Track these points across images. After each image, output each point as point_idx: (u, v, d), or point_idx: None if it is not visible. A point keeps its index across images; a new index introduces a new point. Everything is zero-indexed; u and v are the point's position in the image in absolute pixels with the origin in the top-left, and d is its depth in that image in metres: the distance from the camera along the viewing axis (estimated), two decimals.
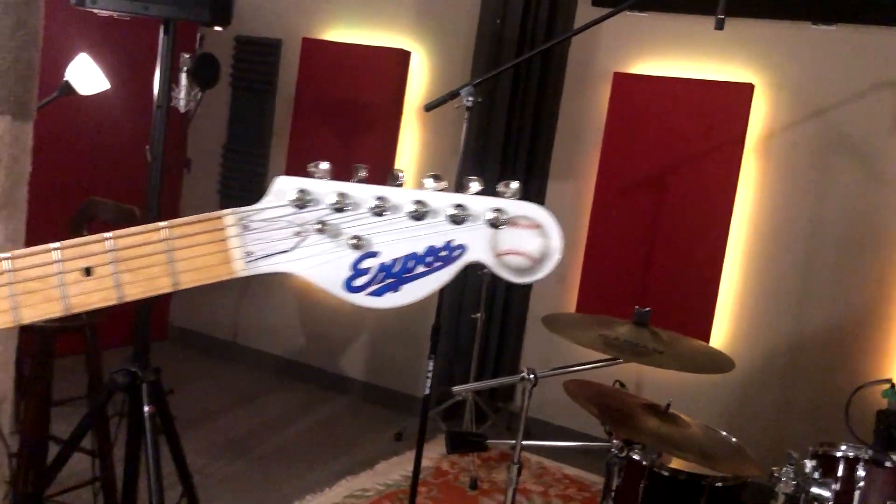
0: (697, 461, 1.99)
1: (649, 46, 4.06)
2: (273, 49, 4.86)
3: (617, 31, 4.04)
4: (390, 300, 0.56)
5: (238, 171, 5.02)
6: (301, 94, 4.75)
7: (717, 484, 2.29)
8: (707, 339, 3.91)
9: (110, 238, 0.51)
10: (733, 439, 2.35)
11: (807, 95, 3.78)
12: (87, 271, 0.51)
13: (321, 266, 0.54)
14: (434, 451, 3.93)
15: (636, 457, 2.22)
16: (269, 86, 4.89)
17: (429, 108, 2.51)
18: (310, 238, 0.54)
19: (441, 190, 0.56)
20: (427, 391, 2.47)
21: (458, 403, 4.12)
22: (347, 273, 0.55)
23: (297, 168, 0.55)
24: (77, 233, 2.69)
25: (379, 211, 0.54)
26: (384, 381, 4.65)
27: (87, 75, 2.57)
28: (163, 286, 0.52)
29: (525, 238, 0.56)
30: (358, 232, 0.55)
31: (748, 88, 3.85)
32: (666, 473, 2.35)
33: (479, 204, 0.56)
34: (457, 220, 0.55)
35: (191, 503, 2.35)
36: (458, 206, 0.55)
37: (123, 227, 0.52)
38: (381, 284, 0.55)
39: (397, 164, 4.55)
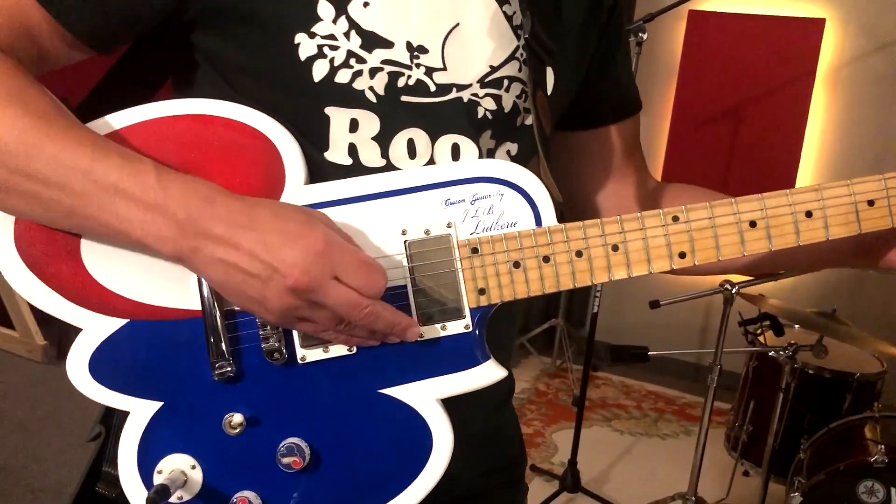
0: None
1: None
2: None
3: None
4: None
5: None
6: None
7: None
8: None
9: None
10: None
11: (876, 29, 3.97)
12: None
13: None
14: (528, 374, 4.17)
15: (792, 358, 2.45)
16: None
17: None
18: None
19: None
20: (595, 310, 2.65)
21: (546, 331, 4.37)
22: None
23: None
24: None
25: None
26: None
27: None
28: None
29: None
30: None
31: (819, 23, 4.03)
32: (811, 372, 2.60)
33: None
34: None
35: None
36: None
37: None
38: None
39: None
